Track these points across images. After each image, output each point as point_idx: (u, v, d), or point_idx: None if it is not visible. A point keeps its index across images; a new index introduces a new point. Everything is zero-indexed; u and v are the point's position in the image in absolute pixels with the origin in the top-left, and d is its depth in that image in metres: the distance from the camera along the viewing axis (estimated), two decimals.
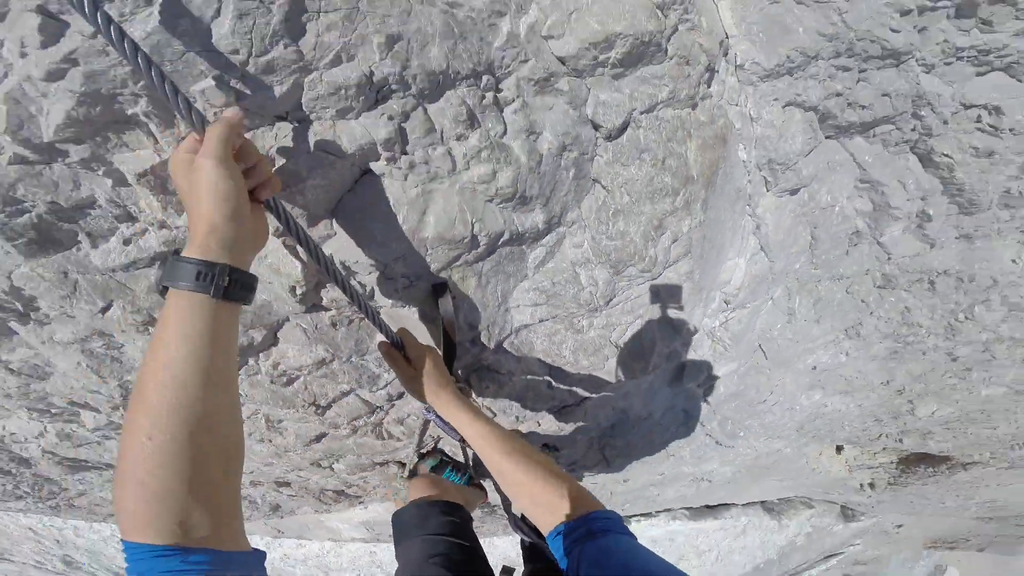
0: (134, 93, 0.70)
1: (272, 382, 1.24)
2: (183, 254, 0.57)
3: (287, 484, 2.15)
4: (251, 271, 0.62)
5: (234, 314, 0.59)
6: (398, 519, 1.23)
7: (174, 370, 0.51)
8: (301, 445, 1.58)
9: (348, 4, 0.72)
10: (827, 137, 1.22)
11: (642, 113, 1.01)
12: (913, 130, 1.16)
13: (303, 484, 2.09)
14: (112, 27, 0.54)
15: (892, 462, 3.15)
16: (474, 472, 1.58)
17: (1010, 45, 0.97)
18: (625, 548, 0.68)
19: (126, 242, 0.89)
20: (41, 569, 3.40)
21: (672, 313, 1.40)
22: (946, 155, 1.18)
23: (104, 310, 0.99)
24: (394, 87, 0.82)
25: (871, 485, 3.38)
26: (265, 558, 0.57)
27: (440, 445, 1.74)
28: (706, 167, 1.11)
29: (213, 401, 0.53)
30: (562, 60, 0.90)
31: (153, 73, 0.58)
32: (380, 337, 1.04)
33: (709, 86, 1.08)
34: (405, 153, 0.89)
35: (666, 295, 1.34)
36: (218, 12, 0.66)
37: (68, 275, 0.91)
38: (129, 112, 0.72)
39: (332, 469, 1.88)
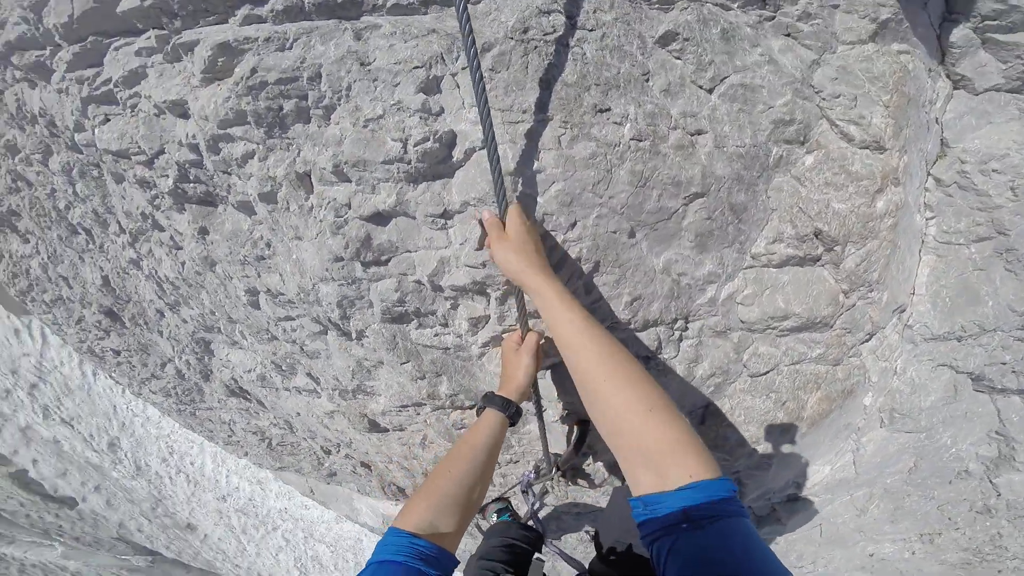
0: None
1: (449, 427, 1.50)
2: (497, 394, 1.00)
3: (369, 467, 2.45)
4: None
5: (507, 427, 0.99)
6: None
7: (477, 445, 0.90)
8: (429, 461, 1.84)
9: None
10: (975, 390, 1.30)
11: (787, 365, 1.17)
12: None
13: (385, 474, 2.38)
14: None
15: None
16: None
17: None
18: (727, 549, 0.51)
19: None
20: (87, 444, 4.02)
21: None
22: None
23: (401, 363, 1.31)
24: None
25: None
26: (457, 564, 0.79)
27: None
28: (819, 415, 1.25)
29: (487, 471, 0.90)
30: (742, 321, 1.09)
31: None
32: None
33: (864, 344, 1.21)
34: None
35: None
36: None
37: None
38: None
39: (420, 478, 2.13)
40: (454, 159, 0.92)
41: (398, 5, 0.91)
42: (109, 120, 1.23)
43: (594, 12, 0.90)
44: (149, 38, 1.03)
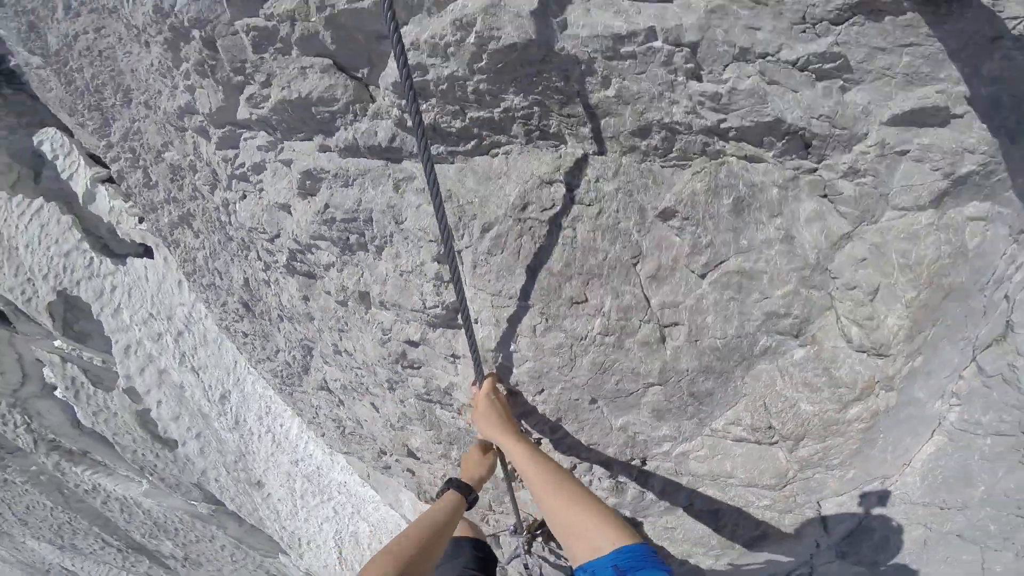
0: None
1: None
2: (463, 480, 1.17)
3: (413, 472, 2.83)
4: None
5: (464, 510, 1.14)
6: None
7: (436, 520, 1.04)
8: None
9: None
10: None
11: (732, 505, 1.27)
12: None
13: (423, 483, 2.73)
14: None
15: None
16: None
17: None
18: None
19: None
20: (205, 394, 4.62)
21: None
22: None
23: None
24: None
25: None
26: None
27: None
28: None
29: (443, 540, 1.04)
30: (692, 473, 1.21)
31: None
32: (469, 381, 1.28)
33: (822, 500, 1.25)
34: None
35: None
36: None
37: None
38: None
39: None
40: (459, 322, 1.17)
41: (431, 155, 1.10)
42: (245, 197, 1.58)
43: (596, 181, 0.95)
44: (265, 137, 1.30)
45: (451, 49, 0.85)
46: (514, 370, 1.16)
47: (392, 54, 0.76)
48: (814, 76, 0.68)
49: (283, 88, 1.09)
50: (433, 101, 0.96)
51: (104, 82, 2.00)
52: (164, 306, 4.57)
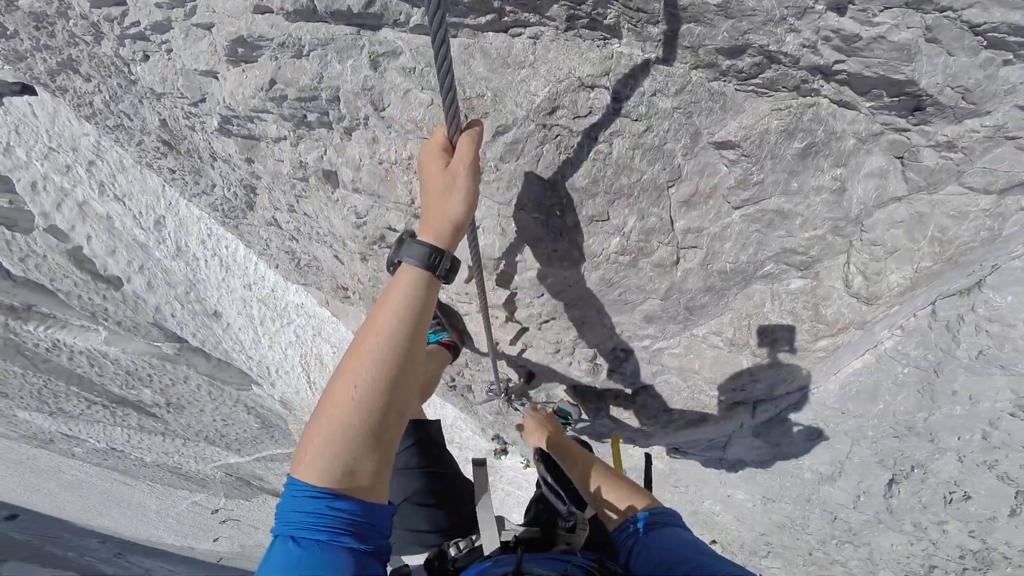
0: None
1: None
2: (420, 238, 0.65)
3: None
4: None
5: (438, 289, 0.67)
6: None
7: (392, 329, 0.59)
8: None
9: None
10: (843, 435, 1.68)
11: (686, 395, 1.48)
12: None
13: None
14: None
15: None
16: (448, 324, 1.64)
17: None
18: (677, 539, 0.70)
19: None
20: (136, 221, 4.22)
21: None
22: None
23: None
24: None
25: None
26: (394, 512, 0.61)
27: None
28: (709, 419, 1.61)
29: (412, 359, 0.61)
30: (663, 364, 1.35)
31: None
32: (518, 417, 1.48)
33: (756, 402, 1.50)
34: None
35: None
36: None
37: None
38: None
39: None
40: None
41: (421, 26, 0.82)
42: (149, 58, 1.21)
43: (652, 95, 0.79)
44: None
45: None
46: (516, 277, 1.12)
47: None
48: (986, 44, 0.54)
49: None
50: None
51: None
52: (64, 139, 3.87)
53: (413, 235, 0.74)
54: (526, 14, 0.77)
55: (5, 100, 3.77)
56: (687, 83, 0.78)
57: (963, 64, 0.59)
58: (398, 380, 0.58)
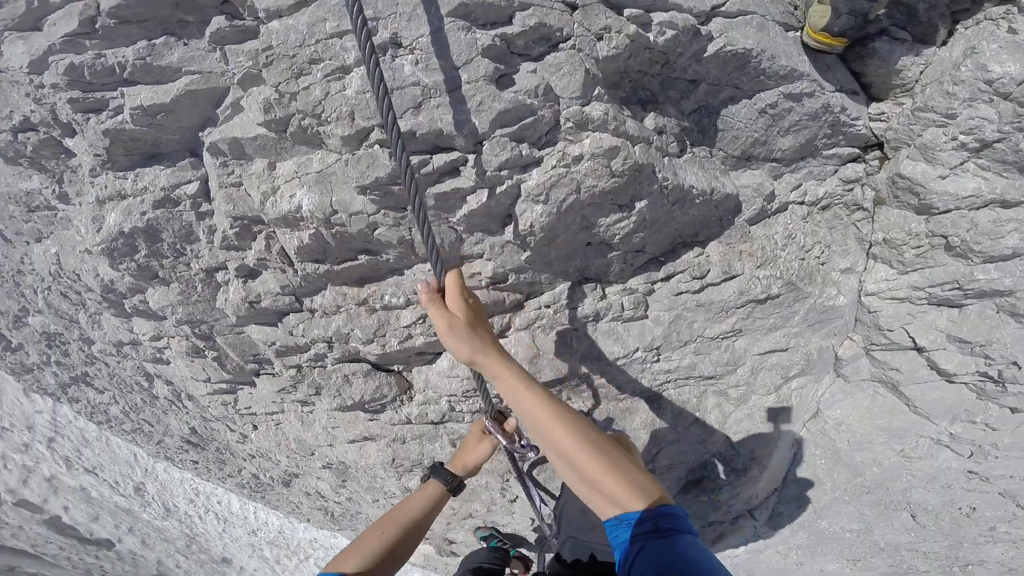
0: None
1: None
2: (447, 467, 1.04)
3: None
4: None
5: (447, 501, 1.03)
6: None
7: (411, 514, 0.93)
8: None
9: None
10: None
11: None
12: None
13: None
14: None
15: None
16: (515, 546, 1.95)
17: None
18: (690, 556, 0.61)
19: None
20: (114, 490, 4.00)
21: None
22: None
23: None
24: None
25: None
26: None
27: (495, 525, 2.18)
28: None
29: (417, 536, 0.93)
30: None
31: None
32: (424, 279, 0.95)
33: None
34: None
35: None
36: None
37: None
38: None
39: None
40: None
41: None
42: (256, 429, 1.51)
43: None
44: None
45: None
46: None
47: None
48: None
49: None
50: None
51: None
52: (17, 418, 3.79)
53: (441, 466, 1.06)
54: None
55: None
56: None
57: None
58: (405, 543, 0.88)
